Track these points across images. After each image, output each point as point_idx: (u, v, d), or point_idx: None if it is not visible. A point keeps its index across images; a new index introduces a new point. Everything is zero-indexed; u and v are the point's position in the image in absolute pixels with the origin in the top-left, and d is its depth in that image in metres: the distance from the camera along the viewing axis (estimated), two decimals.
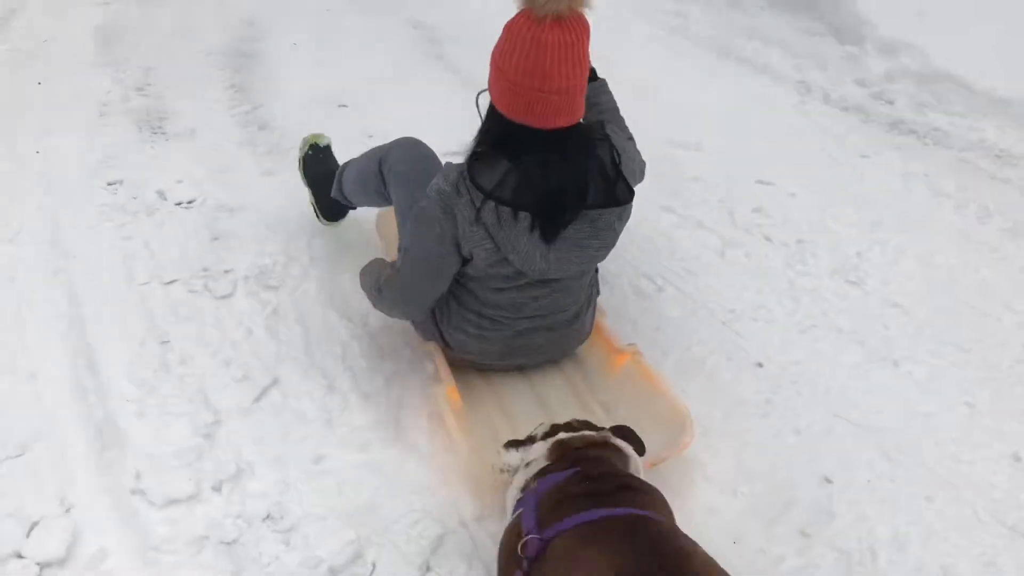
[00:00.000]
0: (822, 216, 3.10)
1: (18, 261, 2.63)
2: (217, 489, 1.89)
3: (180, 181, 3.12)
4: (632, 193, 1.99)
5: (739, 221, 3.07)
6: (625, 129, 2.31)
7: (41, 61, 4.08)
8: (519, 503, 1.58)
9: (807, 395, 2.29)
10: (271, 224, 2.88)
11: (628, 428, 1.78)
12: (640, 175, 2.20)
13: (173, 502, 1.85)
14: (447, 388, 2.04)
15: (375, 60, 4.25)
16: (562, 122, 1.80)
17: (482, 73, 1.87)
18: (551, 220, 1.85)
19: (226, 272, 2.64)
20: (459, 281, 2.02)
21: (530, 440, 1.73)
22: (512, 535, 1.52)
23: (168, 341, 2.33)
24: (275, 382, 2.21)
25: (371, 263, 2.27)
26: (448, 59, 4.39)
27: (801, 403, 2.26)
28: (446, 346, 2.15)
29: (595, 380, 2.26)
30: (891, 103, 3.93)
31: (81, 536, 1.76)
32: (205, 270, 2.64)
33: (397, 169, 2.28)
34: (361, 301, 2.47)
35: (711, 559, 1.39)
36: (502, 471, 1.72)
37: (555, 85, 1.73)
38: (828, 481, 2.03)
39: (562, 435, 1.69)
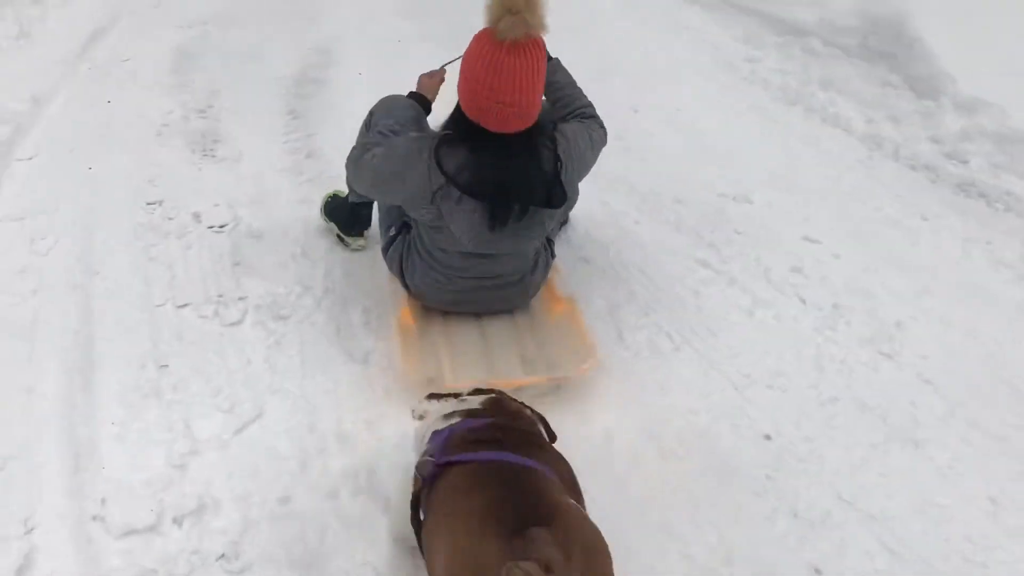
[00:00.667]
0: (865, 279, 2.93)
1: (45, 273, 2.72)
2: (178, 522, 1.88)
3: (217, 204, 3.18)
4: (565, 198, 2.25)
5: (775, 279, 2.93)
6: (583, 100, 2.59)
7: (115, 80, 4.24)
8: (435, 434, 1.69)
9: (813, 474, 2.14)
10: (295, 253, 2.90)
11: (543, 418, 1.85)
12: (598, 143, 2.49)
13: (131, 532, 1.85)
14: (402, 311, 2.42)
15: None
16: (512, 128, 2.11)
17: None
18: (499, 213, 2.17)
19: (240, 299, 2.66)
20: (417, 241, 2.36)
21: (454, 396, 1.83)
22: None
23: (167, 365, 2.35)
24: (259, 415, 2.19)
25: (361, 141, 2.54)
26: None
27: (804, 483, 2.11)
28: (409, 288, 2.47)
29: (536, 320, 2.54)
30: (964, 163, 3.69)
31: (34, 559, 1.77)
32: (220, 296, 2.67)
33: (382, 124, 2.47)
34: (366, 338, 2.45)
35: (586, 522, 1.45)
36: (419, 417, 1.84)
37: (508, 99, 2.04)
38: (817, 572, 1.88)
39: (500, 396, 1.82)
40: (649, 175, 3.59)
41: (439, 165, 2.13)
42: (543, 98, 2.22)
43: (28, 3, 4.95)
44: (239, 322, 2.55)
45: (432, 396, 1.87)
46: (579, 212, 3.22)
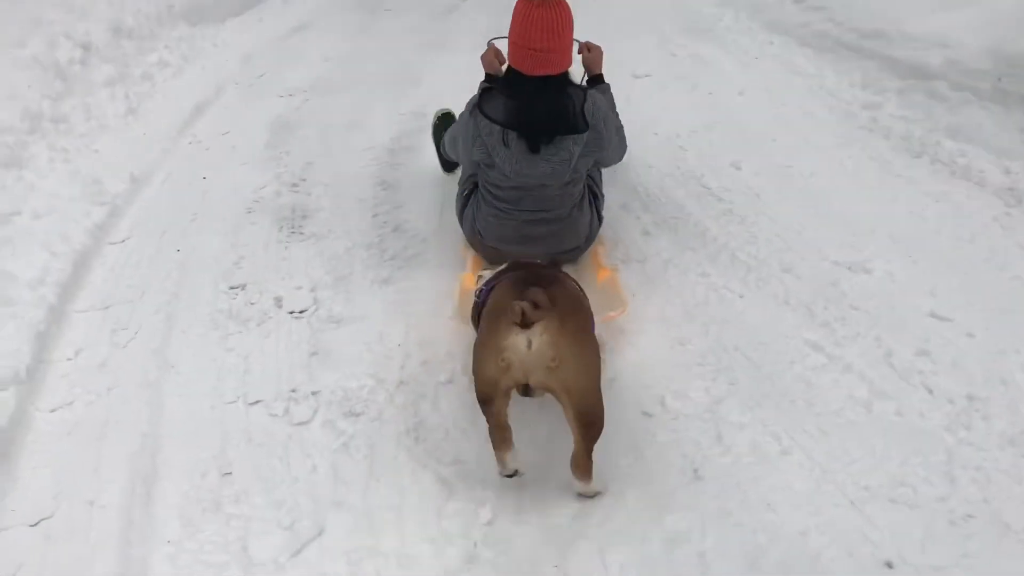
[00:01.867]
0: (1005, 365, 2.57)
1: (122, 368, 2.68)
2: None
3: (299, 287, 3.10)
4: (588, 125, 2.73)
5: (898, 365, 2.60)
6: (617, 121, 3.04)
7: (214, 155, 4.28)
8: (484, 284, 2.47)
9: None
10: (370, 341, 2.77)
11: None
12: (618, 154, 3.07)
13: None
14: (467, 273, 2.96)
15: None
16: (542, 71, 2.67)
17: None
18: (531, 139, 2.71)
19: (312, 394, 2.55)
20: (481, 191, 2.93)
21: (493, 270, 2.56)
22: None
23: (230, 472, 2.24)
24: (320, 533, 2.05)
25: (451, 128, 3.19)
26: None
27: None
28: (478, 235, 3.01)
29: (583, 283, 2.62)
30: None
31: None
32: (293, 391, 2.56)
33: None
34: (435, 438, 2.30)
35: (574, 289, 2.38)
36: (476, 288, 2.52)
37: (538, 45, 2.62)
38: None
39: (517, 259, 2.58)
40: (754, 241, 3.32)
41: (482, 111, 2.75)
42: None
43: (139, 79, 5.11)
44: (308, 421, 2.43)
45: (480, 276, 2.60)
46: (678, 286, 3.00)
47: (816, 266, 3.14)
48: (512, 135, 2.71)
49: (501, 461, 2.12)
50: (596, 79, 3.23)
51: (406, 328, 2.84)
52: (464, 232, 3.12)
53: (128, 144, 4.32)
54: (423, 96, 5.02)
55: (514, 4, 2.70)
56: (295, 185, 3.95)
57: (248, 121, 4.71)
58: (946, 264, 3.10)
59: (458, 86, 5.01)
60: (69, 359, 2.73)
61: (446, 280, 3.12)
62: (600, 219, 3.12)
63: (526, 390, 2.06)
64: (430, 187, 3.89)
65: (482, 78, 3.20)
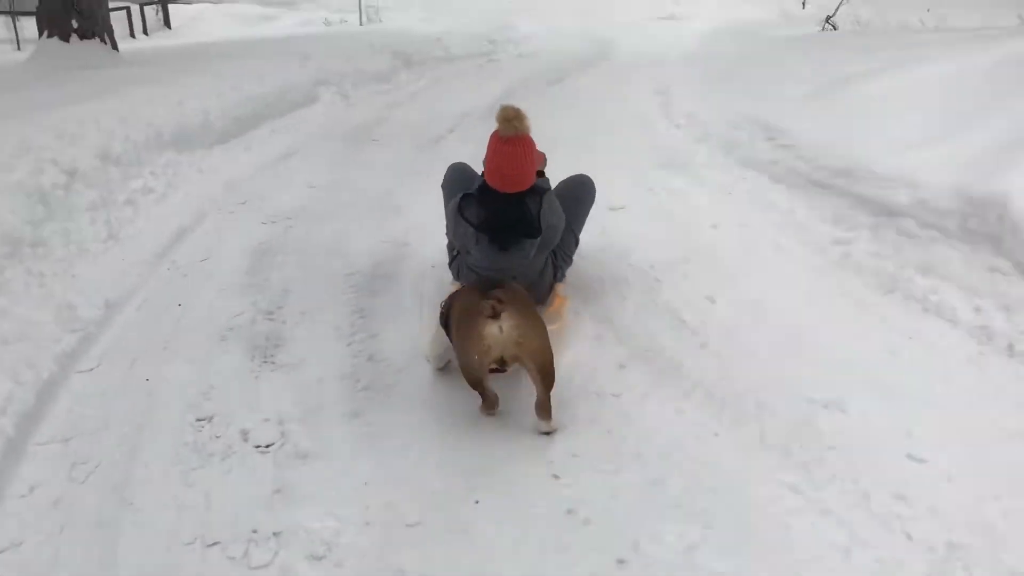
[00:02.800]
0: (985, 510, 2.52)
1: (76, 505, 2.58)
2: None
3: (267, 420, 3.05)
4: (540, 231, 3.45)
5: (876, 510, 2.55)
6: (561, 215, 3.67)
7: (191, 281, 4.28)
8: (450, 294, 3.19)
9: None
10: (334, 478, 2.71)
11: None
12: (558, 223, 3.63)
13: None
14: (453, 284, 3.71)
15: None
16: (510, 190, 3.42)
17: None
18: (502, 242, 3.46)
19: (274, 535, 2.46)
20: (463, 259, 3.69)
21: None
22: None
23: None
24: None
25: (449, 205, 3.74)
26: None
27: None
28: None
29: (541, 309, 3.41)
30: None
31: None
32: (253, 531, 2.48)
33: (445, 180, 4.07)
34: None
35: (523, 292, 3.07)
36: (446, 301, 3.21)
37: (506, 172, 3.40)
38: None
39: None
40: (729, 378, 3.30)
41: (463, 217, 3.47)
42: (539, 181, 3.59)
43: (122, 204, 5.16)
44: (267, 565, 2.34)
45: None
46: (654, 423, 2.96)
47: (792, 404, 3.12)
48: (481, 237, 3.46)
49: (488, 409, 3.05)
50: (539, 174, 3.74)
51: (374, 465, 2.77)
52: (452, 275, 3.91)
53: (106, 269, 4.31)
54: (404, 225, 5.08)
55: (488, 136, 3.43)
56: (271, 313, 3.93)
57: (229, 247, 4.73)
58: (921, 404, 3.08)
59: (439, 214, 5.11)
60: (23, 496, 2.63)
61: (419, 412, 3.08)
62: (560, 277, 3.90)
63: (500, 364, 2.85)
64: (407, 315, 3.89)
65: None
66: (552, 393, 2.95)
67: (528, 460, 2.83)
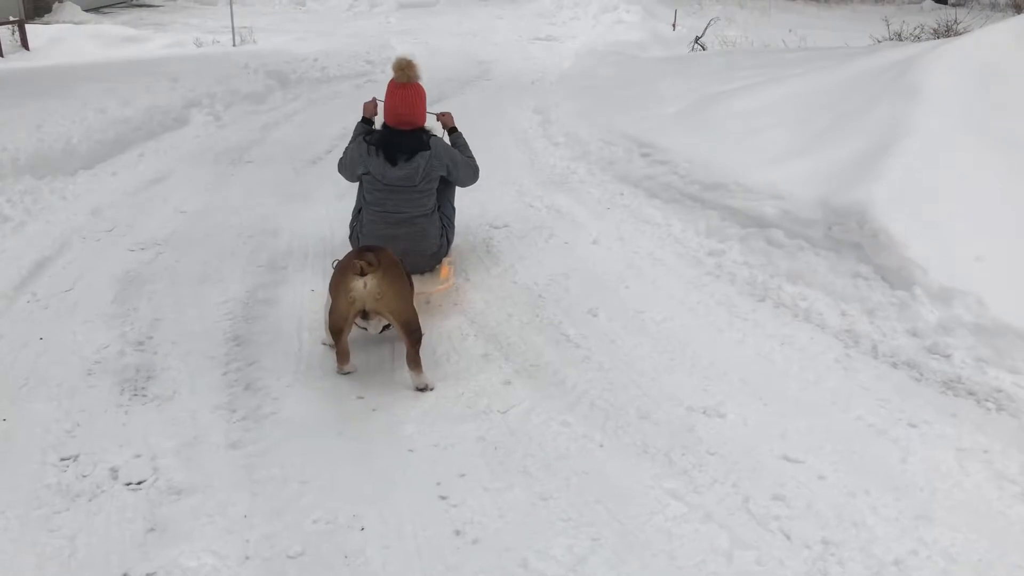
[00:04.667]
0: (855, 506, 2.63)
1: None
2: None
3: (139, 456, 2.90)
4: (428, 147, 4.15)
5: (755, 511, 2.62)
6: (470, 156, 4.49)
7: (53, 313, 4.04)
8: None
9: None
10: (211, 513, 2.60)
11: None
12: (465, 166, 4.40)
13: None
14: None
15: None
16: (404, 127, 4.14)
17: None
18: (393, 156, 4.10)
19: None
20: (361, 202, 4.29)
21: None
22: None
23: None
24: None
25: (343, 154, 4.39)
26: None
27: None
28: (358, 240, 4.23)
29: (429, 278, 4.24)
30: (947, 357, 3.48)
31: None
32: (124, 575, 2.33)
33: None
34: None
35: (391, 255, 3.45)
36: (333, 263, 3.58)
37: (401, 112, 4.13)
38: None
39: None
40: (611, 388, 3.35)
41: (365, 140, 4.18)
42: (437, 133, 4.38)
43: None
44: None
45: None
46: (540, 437, 2.96)
47: (672, 412, 3.18)
48: (376, 151, 4.11)
49: (341, 366, 3.46)
50: (452, 130, 4.54)
51: (252, 496, 2.67)
52: (351, 245, 4.29)
53: None
54: (282, 247, 4.96)
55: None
56: (141, 344, 3.75)
57: (94, 277, 4.50)
58: (795, 406, 3.20)
59: (318, 236, 5.03)
60: None
61: (300, 439, 2.99)
62: (449, 242, 4.41)
63: (364, 315, 3.28)
64: (286, 340, 3.78)
65: (359, 119, 4.56)
66: (438, 407, 3.16)
67: (415, 483, 2.78)
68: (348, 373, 3.46)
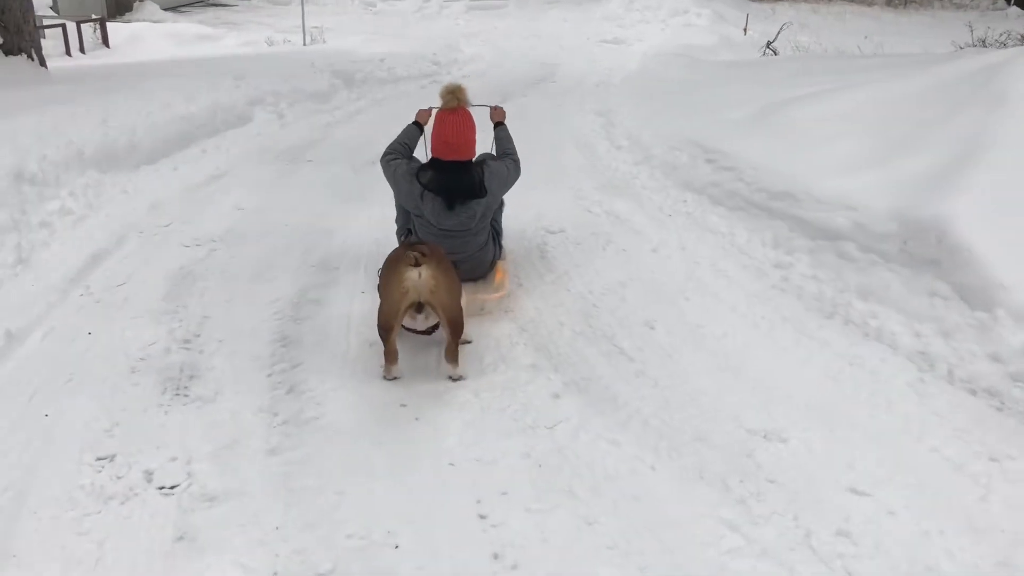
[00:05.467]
0: (929, 548, 2.43)
1: None
2: None
3: (175, 459, 2.83)
4: (485, 192, 3.95)
5: (818, 548, 2.43)
6: (510, 147, 4.29)
7: (104, 308, 4.03)
8: None
9: None
10: (243, 523, 2.51)
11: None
12: (512, 175, 4.18)
13: None
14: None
15: None
16: (454, 158, 3.93)
17: None
18: (449, 200, 3.90)
19: None
20: (414, 229, 4.09)
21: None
22: None
23: None
24: None
25: (391, 147, 4.24)
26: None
27: None
28: None
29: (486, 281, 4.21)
30: None
31: None
32: None
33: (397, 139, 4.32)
34: None
35: (442, 251, 3.45)
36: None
37: (450, 141, 3.92)
38: None
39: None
40: (667, 407, 3.18)
41: (418, 180, 3.95)
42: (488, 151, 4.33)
43: (36, 227, 4.88)
44: None
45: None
46: (588, 456, 2.82)
47: (731, 434, 3.00)
48: (429, 196, 3.92)
49: (388, 370, 3.35)
50: (499, 125, 4.38)
51: (286, 507, 2.58)
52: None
53: (12, 296, 4.05)
54: (335, 247, 4.90)
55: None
56: (187, 342, 3.71)
57: (147, 272, 4.49)
58: (863, 434, 2.99)
59: (372, 238, 4.94)
60: None
61: (340, 448, 2.90)
62: (500, 248, 4.33)
63: (418, 308, 3.22)
64: (333, 342, 3.70)
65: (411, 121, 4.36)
66: (483, 420, 3.10)
67: (454, 499, 2.66)
68: (395, 379, 3.36)
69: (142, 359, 3.54)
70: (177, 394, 3.27)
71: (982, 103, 4.95)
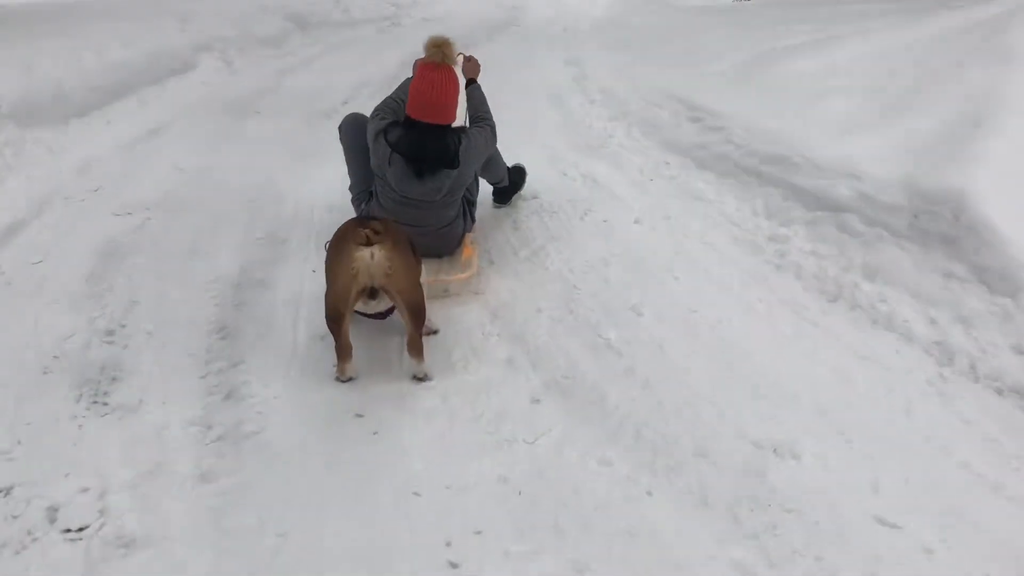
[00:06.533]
0: None
1: None
2: None
3: (86, 490, 2.38)
4: (458, 164, 3.49)
5: None
6: (485, 112, 3.83)
7: (17, 291, 3.53)
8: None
9: None
10: (165, 574, 2.07)
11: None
12: (488, 144, 3.77)
13: None
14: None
15: None
16: (431, 120, 3.44)
17: None
18: (418, 167, 3.46)
19: None
20: (374, 199, 3.64)
21: None
22: None
23: None
24: None
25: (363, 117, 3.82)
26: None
27: None
28: None
29: (452, 258, 3.76)
30: None
31: None
32: None
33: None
34: None
35: (399, 226, 3.01)
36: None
37: (429, 101, 3.42)
38: None
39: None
40: (660, 411, 2.80)
41: (385, 139, 3.48)
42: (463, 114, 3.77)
43: None
44: None
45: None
46: (575, 480, 2.42)
47: (736, 449, 2.62)
48: (397, 159, 3.46)
49: (342, 370, 2.90)
50: (471, 82, 3.93)
51: (217, 555, 2.15)
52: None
53: None
54: (285, 215, 4.42)
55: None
56: (111, 333, 3.23)
57: (70, 246, 3.97)
58: (885, 445, 2.63)
59: (326, 203, 4.46)
60: None
61: (285, 471, 2.47)
62: (472, 221, 3.91)
63: (372, 293, 2.80)
64: (278, 334, 3.25)
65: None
66: (453, 432, 2.70)
67: (420, 540, 2.25)
68: (350, 379, 2.93)
69: (56, 357, 3.06)
70: (95, 402, 2.81)
71: (989, 58, 4.56)
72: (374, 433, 2.68)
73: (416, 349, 2.93)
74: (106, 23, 8.04)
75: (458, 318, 3.39)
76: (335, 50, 9.53)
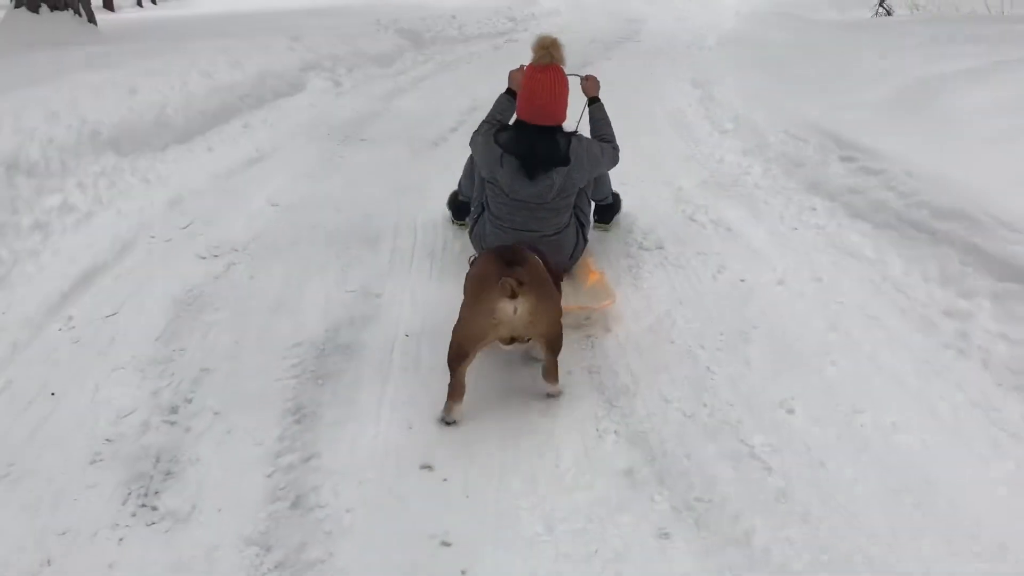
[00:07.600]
0: None
1: None
2: None
3: None
4: (569, 161, 3.45)
5: None
6: (607, 132, 3.82)
7: (83, 351, 3.21)
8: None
9: None
10: None
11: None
12: (605, 159, 3.73)
13: None
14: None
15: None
16: (541, 122, 3.47)
17: None
18: (530, 167, 3.44)
19: None
20: (485, 209, 3.64)
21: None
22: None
23: None
24: None
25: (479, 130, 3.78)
26: None
27: None
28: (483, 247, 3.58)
29: (576, 284, 3.62)
30: None
31: None
32: None
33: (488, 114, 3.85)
34: None
35: (542, 268, 2.90)
36: (471, 260, 3.19)
37: (539, 103, 3.46)
38: None
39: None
40: (827, 562, 2.17)
41: (495, 141, 3.54)
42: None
43: (28, 230, 4.07)
44: None
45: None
46: None
47: None
48: (508, 160, 3.45)
49: (449, 409, 2.75)
50: (593, 100, 3.87)
51: None
52: (474, 247, 3.75)
53: None
54: (381, 264, 3.99)
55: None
56: (174, 411, 2.85)
57: (147, 295, 3.64)
58: None
59: (427, 248, 4.03)
60: None
61: None
62: (585, 240, 3.74)
63: (510, 341, 2.72)
64: (360, 419, 2.81)
65: (503, 91, 3.85)
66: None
67: None
68: (453, 423, 2.75)
69: (109, 440, 2.68)
70: (143, 505, 2.41)
71: None
72: (462, 573, 2.17)
73: (552, 375, 2.88)
74: (217, 42, 7.89)
75: (568, 406, 2.86)
76: (447, 68, 9.19)
